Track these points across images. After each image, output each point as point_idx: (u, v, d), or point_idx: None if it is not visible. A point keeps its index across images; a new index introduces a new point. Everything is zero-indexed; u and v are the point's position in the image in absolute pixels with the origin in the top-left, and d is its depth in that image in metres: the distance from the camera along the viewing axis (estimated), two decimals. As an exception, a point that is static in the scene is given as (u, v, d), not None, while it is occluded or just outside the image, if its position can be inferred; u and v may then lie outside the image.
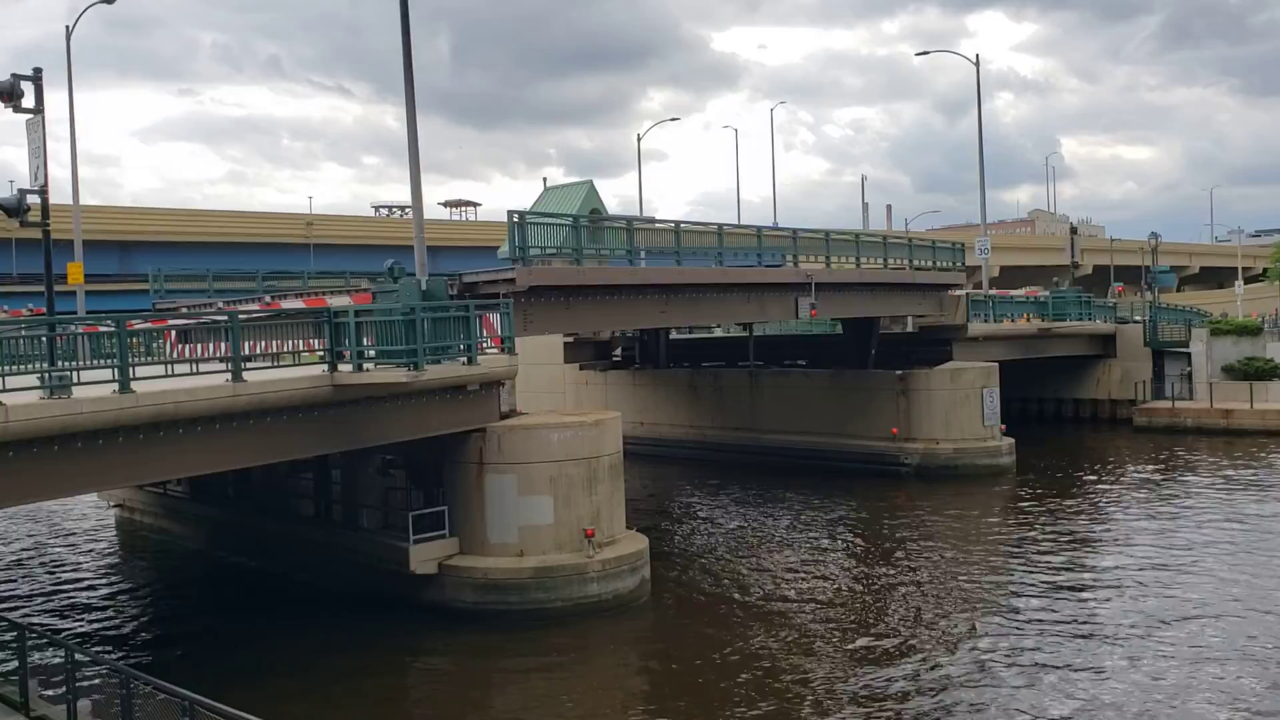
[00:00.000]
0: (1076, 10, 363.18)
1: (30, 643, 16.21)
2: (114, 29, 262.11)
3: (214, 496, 31.74)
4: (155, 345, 23.33)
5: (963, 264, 48.06)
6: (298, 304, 29.08)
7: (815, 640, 22.28)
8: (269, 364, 21.74)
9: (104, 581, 29.83)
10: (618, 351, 57.88)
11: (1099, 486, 39.43)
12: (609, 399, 52.27)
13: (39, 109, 23.96)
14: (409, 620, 23.78)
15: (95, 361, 19.20)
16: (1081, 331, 55.22)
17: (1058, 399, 58.57)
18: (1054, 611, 23.40)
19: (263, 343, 22.08)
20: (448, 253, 69.41)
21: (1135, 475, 41.29)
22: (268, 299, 32.48)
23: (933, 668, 20.20)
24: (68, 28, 36.57)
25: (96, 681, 16.01)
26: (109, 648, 22.74)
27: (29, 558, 32.92)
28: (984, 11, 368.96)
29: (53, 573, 30.72)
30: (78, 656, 15.34)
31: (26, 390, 17.15)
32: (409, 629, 23.47)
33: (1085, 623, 22.55)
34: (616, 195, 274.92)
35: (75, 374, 17.93)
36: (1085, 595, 24.81)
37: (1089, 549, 29.76)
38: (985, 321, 48.09)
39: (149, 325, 23.62)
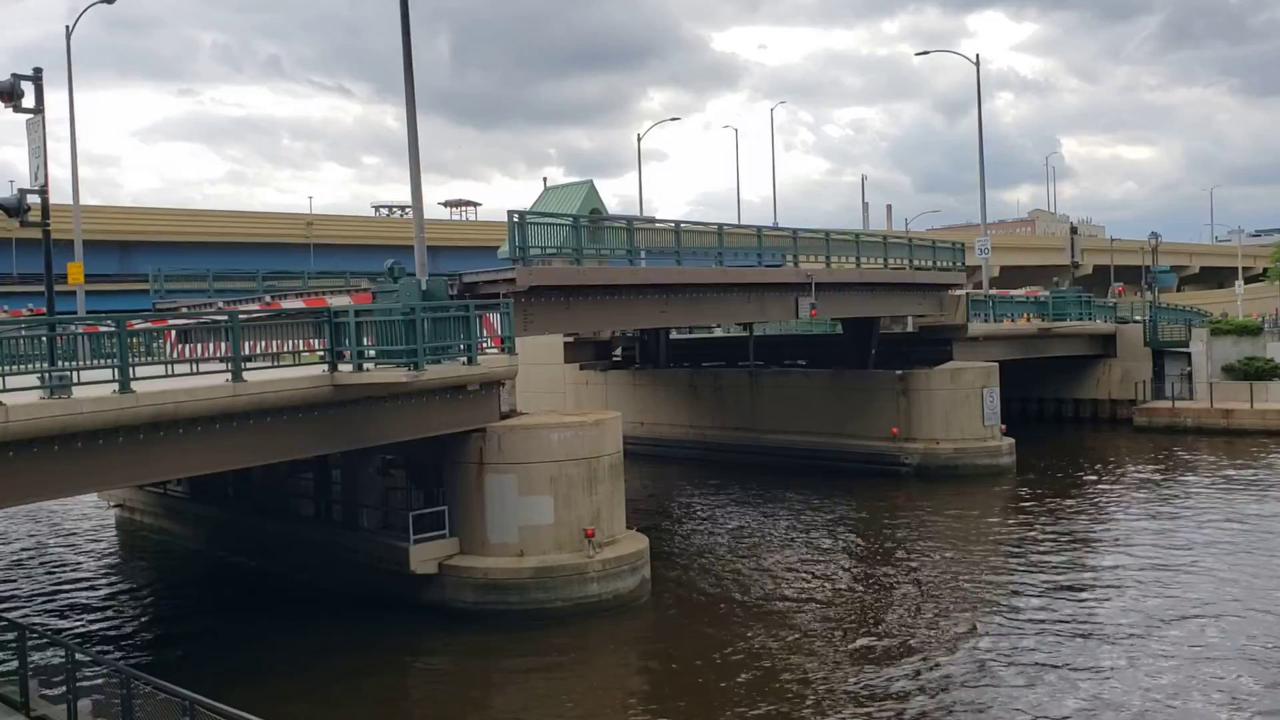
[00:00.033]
0: (1076, 10, 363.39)
1: (31, 643, 16.22)
2: (114, 29, 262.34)
3: (214, 496, 31.75)
4: (155, 345, 23.33)
5: (963, 264, 48.07)
6: (298, 304, 29.08)
7: (815, 640, 22.29)
8: (269, 364, 21.73)
9: (104, 581, 29.84)
10: (618, 351, 57.89)
11: (1099, 486, 39.43)
12: (609, 399, 52.28)
13: (39, 109, 23.97)
14: (409, 620, 23.79)
15: (95, 361, 19.21)
16: (1081, 331, 55.22)
17: (1058, 399, 58.57)
18: (1054, 611, 23.40)
19: (263, 343, 22.08)
20: (448, 253, 69.40)
21: (1135, 475, 41.29)
22: (268, 299, 32.49)
23: (933, 667, 20.21)
24: (68, 28, 36.62)
25: (97, 681, 16.01)
26: (109, 648, 22.74)
27: (29, 558, 32.92)
28: (984, 11, 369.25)
29: (53, 573, 30.73)
30: (78, 656, 15.35)
31: (27, 390, 17.14)
32: (409, 629, 23.48)
33: (1085, 622, 22.55)
34: (616, 195, 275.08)
35: (75, 374, 17.94)
36: (1085, 595, 24.82)
37: (1089, 549, 29.76)
38: (985, 321, 48.10)
39: (149, 325, 23.62)
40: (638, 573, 25.06)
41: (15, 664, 15.91)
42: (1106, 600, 24.30)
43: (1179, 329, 57.21)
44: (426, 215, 30.38)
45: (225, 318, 22.20)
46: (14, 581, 29.68)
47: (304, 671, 21.00)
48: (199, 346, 24.18)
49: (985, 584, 26.21)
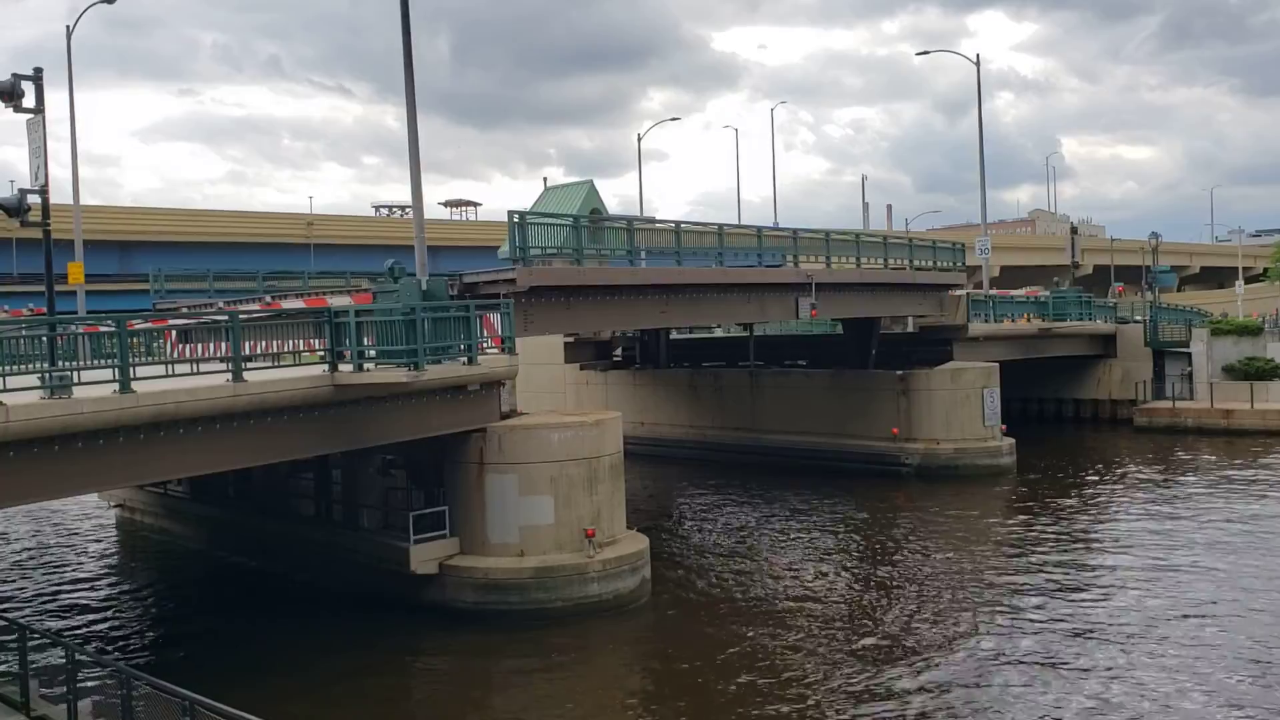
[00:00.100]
0: (1077, 10, 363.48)
1: (31, 643, 16.23)
2: (114, 29, 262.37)
3: (214, 496, 31.75)
4: (156, 345, 23.31)
5: (963, 264, 48.06)
6: (298, 304, 29.09)
7: (816, 640, 22.28)
8: (269, 364, 21.72)
9: (104, 581, 29.84)
10: (618, 351, 57.88)
11: (1099, 487, 39.42)
12: (609, 399, 52.28)
13: (39, 109, 23.98)
14: (409, 620, 23.79)
15: (96, 361, 19.20)
16: (1082, 331, 55.23)
17: (1058, 399, 58.57)
18: (1055, 611, 23.40)
19: (263, 343, 22.06)
20: (448, 253, 69.39)
21: (1136, 475, 41.28)
22: (268, 299, 32.50)
23: (933, 668, 20.21)
24: (68, 28, 36.62)
25: (97, 682, 16.02)
26: (109, 648, 22.75)
27: (30, 558, 32.92)
28: (984, 11, 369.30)
29: (53, 573, 30.73)
30: (78, 657, 15.36)
31: (27, 390, 17.15)
32: (409, 629, 23.48)
33: (1086, 623, 22.54)
34: (617, 195, 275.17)
35: (76, 374, 17.94)
36: (1086, 595, 24.81)
37: (1089, 549, 29.76)
38: (985, 321, 48.11)
39: (149, 325, 23.61)
40: (638, 573, 25.05)
41: (16, 664, 15.92)
42: (1107, 600, 24.30)
43: (1179, 329, 57.21)
44: (427, 215, 30.39)
45: (225, 318, 22.20)
46: (14, 581, 29.68)
47: (304, 671, 21.00)
48: (199, 346, 24.18)
49: (986, 584, 26.20)
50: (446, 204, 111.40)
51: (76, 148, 38.15)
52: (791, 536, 32.47)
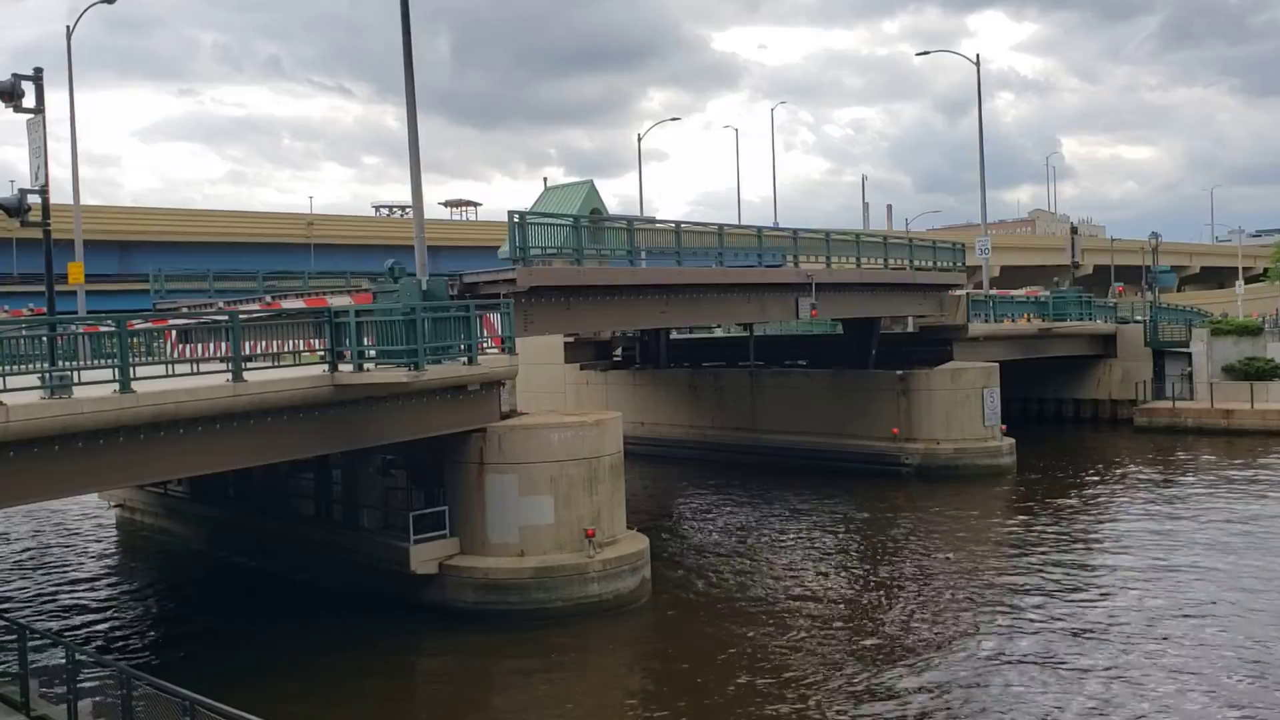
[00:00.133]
0: (1077, 10, 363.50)
1: (31, 643, 16.21)
2: (114, 29, 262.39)
3: (215, 496, 31.75)
4: (156, 345, 23.31)
5: (963, 264, 48.06)
6: (298, 304, 29.09)
7: (816, 640, 22.28)
8: (270, 364, 21.72)
9: (105, 582, 29.84)
10: (618, 351, 57.88)
11: (1100, 487, 39.42)
12: (609, 399, 52.28)
13: (39, 109, 23.98)
14: (409, 620, 23.79)
15: (96, 361, 19.20)
16: (1082, 331, 55.23)
17: (1058, 399, 58.57)
18: (1055, 611, 23.39)
19: (263, 343, 22.05)
20: (448, 253, 69.37)
21: (1136, 475, 41.28)
22: (268, 299, 32.50)
23: (933, 667, 20.21)
24: (68, 28, 36.63)
25: (97, 682, 16.01)
26: (109, 648, 22.75)
27: (30, 558, 32.92)
28: (984, 11, 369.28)
29: (53, 573, 30.73)
30: (78, 657, 15.35)
31: (27, 390, 17.15)
32: (409, 629, 23.48)
33: (1086, 622, 22.54)
34: (617, 195, 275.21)
35: (76, 374, 17.94)
36: (1086, 595, 24.81)
37: (1090, 549, 29.76)
38: (986, 321, 48.11)
39: (149, 325, 23.61)
40: (638, 573, 25.05)
41: (16, 664, 15.92)
42: (1107, 600, 24.30)
43: (1179, 329, 57.21)
44: (427, 215, 30.39)
45: (226, 318, 22.20)
46: (14, 582, 29.68)
47: (304, 671, 21.00)
48: (199, 346, 24.17)
49: (986, 584, 26.20)
50: (446, 204, 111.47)
51: (76, 148, 38.22)
52: (791, 537, 32.47)
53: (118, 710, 13.74)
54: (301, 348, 23.35)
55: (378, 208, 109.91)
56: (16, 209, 23.83)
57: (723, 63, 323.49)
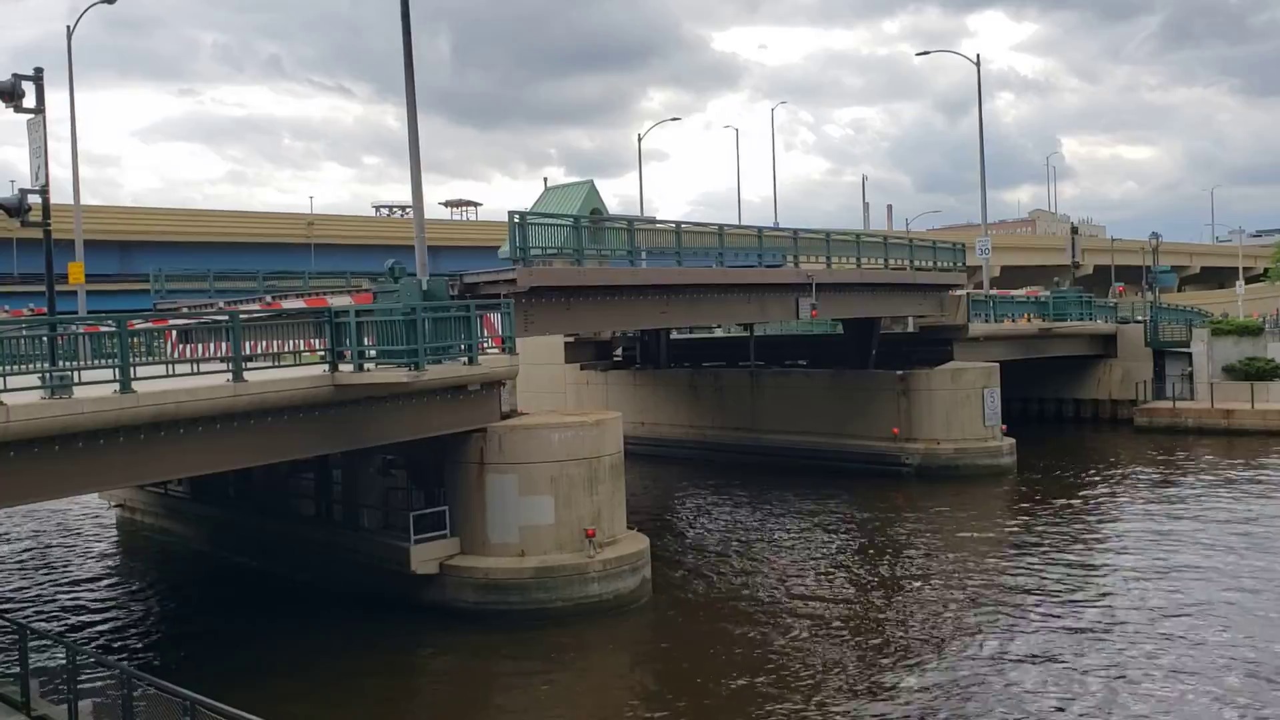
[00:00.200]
0: (1077, 10, 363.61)
1: (32, 643, 16.22)
2: (114, 29, 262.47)
3: (215, 496, 31.74)
4: (156, 345, 23.32)
5: (963, 264, 48.05)
6: (299, 304, 29.09)
7: (816, 640, 22.28)
8: (270, 364, 21.71)
9: (105, 582, 29.84)
10: (618, 351, 57.87)
11: (1100, 487, 39.40)
12: (610, 399, 52.28)
13: (40, 109, 23.98)
14: (410, 620, 23.79)
15: (96, 361, 19.20)
16: (1082, 331, 55.22)
17: (1058, 399, 58.56)
18: (1055, 611, 23.39)
19: (264, 343, 22.05)
20: (448, 253, 69.40)
21: (1136, 475, 41.27)
22: (269, 299, 32.50)
23: (935, 667, 20.21)
24: (68, 28, 36.63)
25: (98, 682, 16.01)
26: (110, 648, 22.75)
27: (30, 558, 32.92)
28: (984, 11, 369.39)
29: (54, 573, 30.73)
30: (79, 657, 15.34)
31: (28, 390, 17.14)
32: (410, 629, 23.48)
33: (1086, 623, 22.53)
34: (617, 195, 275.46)
35: (76, 374, 17.94)
36: (1087, 595, 24.80)
37: (1090, 549, 29.76)
38: (986, 321, 48.10)
39: (150, 325, 23.61)
40: (638, 573, 25.05)
41: (16, 664, 15.91)
42: (1107, 600, 24.29)
43: (1180, 329, 57.20)
44: (427, 215, 30.38)
45: (226, 318, 22.20)
46: (15, 582, 29.68)
47: (304, 671, 21.00)
48: (200, 346, 24.17)
49: (986, 584, 26.19)
50: (447, 204, 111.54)
51: (77, 148, 38.22)
52: (792, 537, 32.47)
53: (118, 710, 13.74)
54: (302, 348, 23.35)
55: (378, 208, 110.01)
56: (17, 209, 23.84)
57: (723, 63, 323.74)
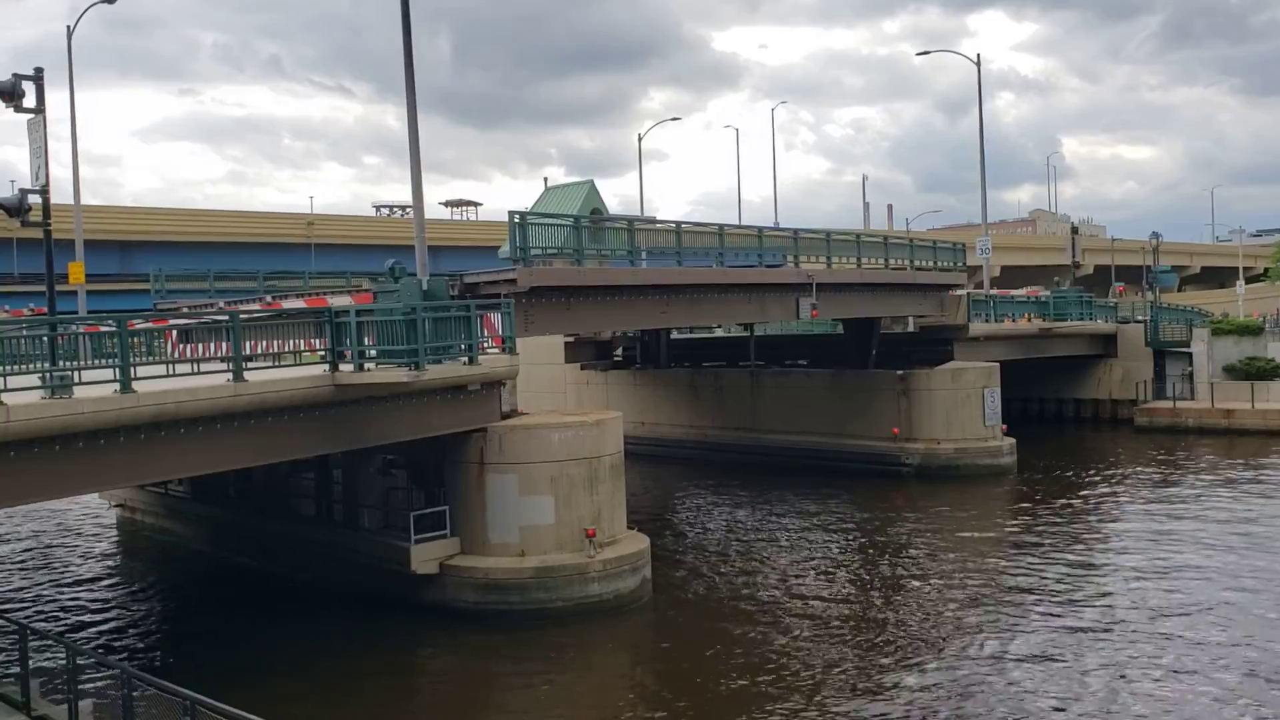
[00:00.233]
0: (1077, 10, 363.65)
1: (32, 643, 16.22)
2: (114, 29, 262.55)
3: (215, 496, 31.75)
4: (156, 345, 23.33)
5: (964, 264, 48.04)
6: (299, 304, 29.09)
7: (816, 640, 22.27)
8: (270, 364, 21.70)
9: (105, 581, 29.84)
10: (618, 351, 57.87)
11: (1100, 487, 39.40)
12: (610, 399, 52.27)
13: (40, 109, 23.98)
14: (410, 620, 23.79)
15: (96, 361, 19.19)
16: (1082, 331, 55.21)
17: (1059, 399, 58.55)
18: (1055, 611, 23.39)
19: (264, 342, 22.04)
20: (449, 253, 69.38)
21: (1136, 475, 41.27)
22: (269, 299, 32.50)
23: (935, 667, 20.21)
24: (69, 28, 36.65)
25: (98, 682, 16.03)
26: (110, 648, 22.75)
27: (30, 558, 32.92)
28: (984, 11, 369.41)
29: (54, 573, 30.73)
30: (79, 657, 15.34)
31: (28, 390, 17.14)
32: (410, 629, 23.48)
33: (1086, 622, 22.53)
34: (617, 195, 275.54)
35: (76, 374, 17.94)
36: (1086, 595, 24.79)
37: (1090, 549, 29.76)
38: (986, 321, 48.10)
39: (150, 325, 23.61)
40: (638, 573, 25.05)
41: (17, 664, 15.92)
42: (1108, 600, 24.29)
43: (1180, 329, 57.20)
44: (427, 215, 30.37)
45: (226, 318, 22.20)
46: (15, 582, 29.69)
47: (304, 671, 21.00)
48: (200, 346, 24.18)
49: (987, 583, 26.19)
50: (447, 204, 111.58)
51: (77, 148, 38.22)
52: (792, 536, 32.46)
53: (118, 710, 13.74)
54: (302, 348, 23.35)
55: (378, 208, 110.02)
56: (17, 209, 23.84)
57: (723, 62, 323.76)
